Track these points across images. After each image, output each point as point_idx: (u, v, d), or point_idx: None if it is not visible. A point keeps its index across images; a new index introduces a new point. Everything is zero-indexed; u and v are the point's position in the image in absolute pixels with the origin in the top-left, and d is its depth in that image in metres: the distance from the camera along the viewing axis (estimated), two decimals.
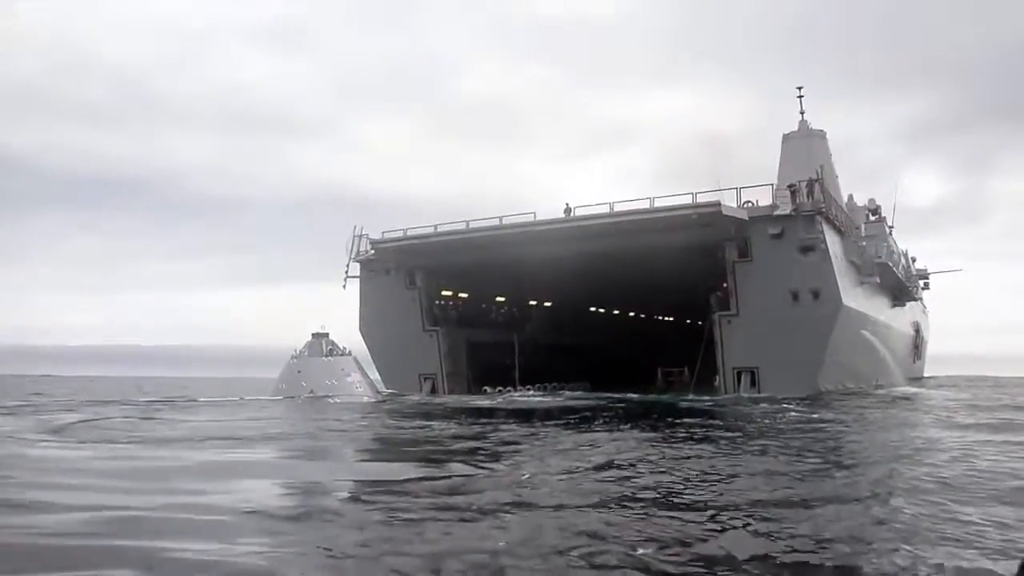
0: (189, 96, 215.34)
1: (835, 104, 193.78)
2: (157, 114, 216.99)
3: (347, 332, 44.05)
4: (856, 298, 39.39)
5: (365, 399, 35.19)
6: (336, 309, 47.17)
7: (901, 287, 52.84)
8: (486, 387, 42.64)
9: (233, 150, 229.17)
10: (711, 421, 22.53)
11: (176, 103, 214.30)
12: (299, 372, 36.89)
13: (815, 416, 24.02)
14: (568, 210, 40.48)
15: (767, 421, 22.63)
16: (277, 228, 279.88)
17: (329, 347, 38.06)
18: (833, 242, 37.08)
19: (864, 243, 44.74)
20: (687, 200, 37.24)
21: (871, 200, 63.00)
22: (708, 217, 35.29)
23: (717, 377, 37.65)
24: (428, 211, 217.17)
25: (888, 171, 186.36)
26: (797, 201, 36.07)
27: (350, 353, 38.60)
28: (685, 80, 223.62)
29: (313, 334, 38.09)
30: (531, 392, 41.94)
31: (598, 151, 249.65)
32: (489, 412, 27.67)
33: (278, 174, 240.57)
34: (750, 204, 38.31)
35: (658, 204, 37.95)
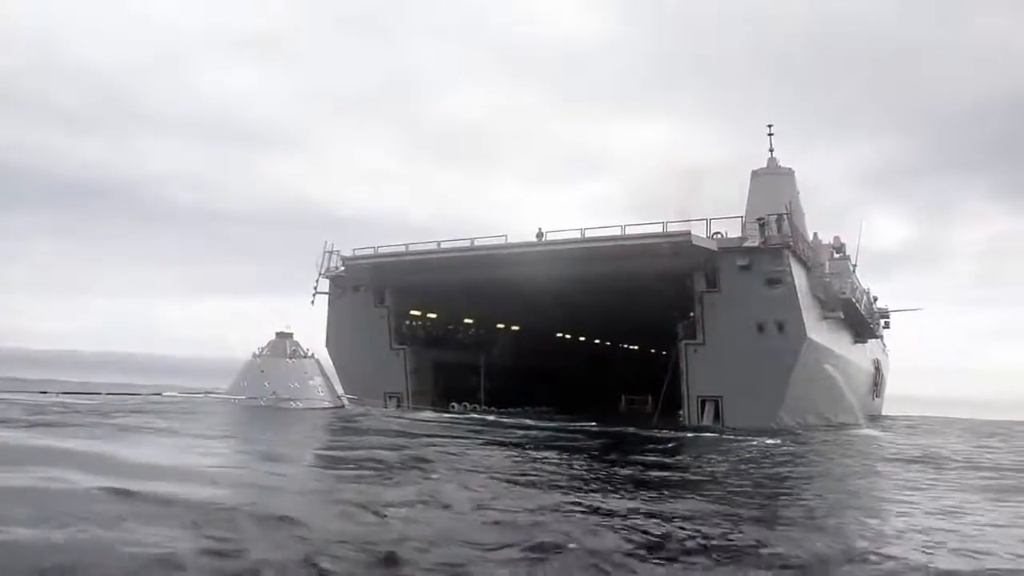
0: (166, 105, 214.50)
1: (804, 143, 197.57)
2: (134, 121, 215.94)
3: (312, 347, 43.99)
4: (820, 332, 39.94)
5: (327, 404, 34.94)
6: (302, 323, 46.95)
7: (863, 324, 53.62)
8: (454, 403, 42.88)
9: (208, 160, 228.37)
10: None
11: (153, 111, 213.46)
12: (262, 372, 36.30)
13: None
14: (540, 235, 40.71)
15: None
16: (249, 240, 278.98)
17: (293, 347, 37.60)
18: (799, 276, 37.66)
19: (829, 279, 45.46)
20: (658, 228, 37.88)
21: (836, 238, 64.00)
22: (678, 246, 35.75)
23: (681, 412, 37.91)
24: (400, 230, 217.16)
25: (852, 212, 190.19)
26: (766, 234, 36.64)
27: (313, 356, 38.19)
28: (658, 112, 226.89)
29: (277, 333, 37.58)
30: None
31: (571, 178, 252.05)
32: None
33: (252, 186, 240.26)
34: (719, 235, 38.90)
35: (629, 231, 38.44)
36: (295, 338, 38.43)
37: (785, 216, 37.59)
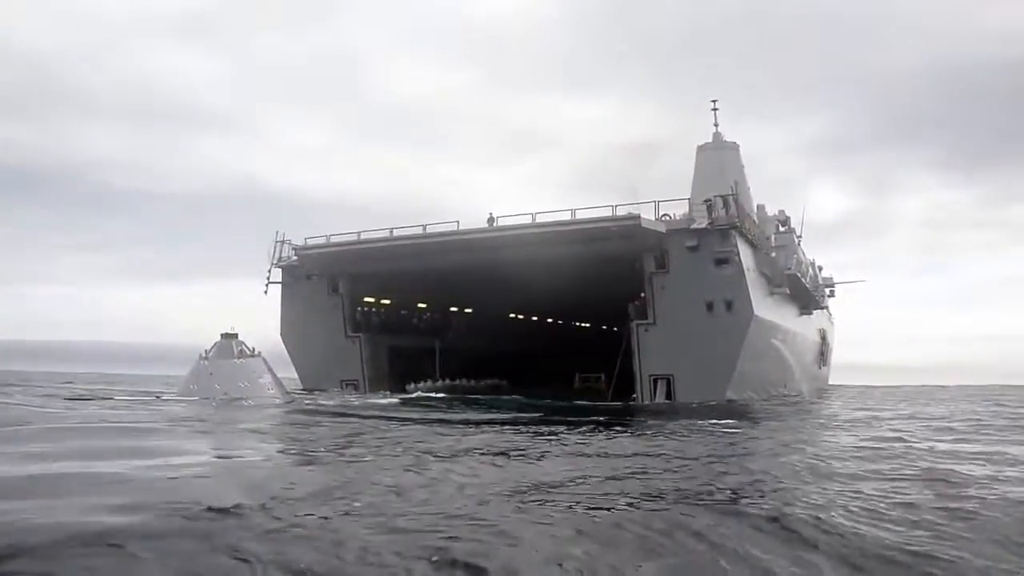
0: (103, 87, 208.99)
1: (748, 116, 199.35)
2: (69, 105, 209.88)
3: (265, 332, 44.09)
4: (767, 308, 40.97)
5: (276, 401, 35.20)
6: (253, 308, 46.85)
7: (809, 296, 54.93)
8: (411, 384, 43.39)
9: (149, 144, 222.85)
10: None
11: (89, 94, 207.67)
12: (211, 374, 36.49)
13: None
14: (491, 219, 41.13)
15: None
16: (193, 224, 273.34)
17: (239, 348, 37.75)
18: (746, 255, 38.56)
19: (775, 254, 46.59)
20: (608, 212, 38.60)
21: (781, 211, 65.24)
22: (628, 230, 36.46)
23: (635, 395, 38.75)
24: (349, 211, 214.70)
25: (796, 183, 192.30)
26: (713, 215, 37.44)
27: (259, 354, 38.32)
28: (603, 88, 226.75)
29: (222, 335, 37.60)
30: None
31: (518, 155, 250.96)
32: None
33: (194, 169, 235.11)
34: (668, 217, 39.68)
35: (580, 215, 39.07)
36: (240, 337, 38.49)
37: (731, 197, 38.36)
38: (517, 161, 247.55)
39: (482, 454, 14.70)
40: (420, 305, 49.81)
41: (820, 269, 76.91)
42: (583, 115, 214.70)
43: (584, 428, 21.95)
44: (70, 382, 52.77)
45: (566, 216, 39.19)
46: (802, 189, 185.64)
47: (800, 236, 67.92)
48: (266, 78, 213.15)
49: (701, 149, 67.34)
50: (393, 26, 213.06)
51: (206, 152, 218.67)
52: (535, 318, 61.76)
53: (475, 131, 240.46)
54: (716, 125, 67.50)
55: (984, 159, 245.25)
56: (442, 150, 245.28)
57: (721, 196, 38.70)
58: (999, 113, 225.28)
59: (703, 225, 37.23)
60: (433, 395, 41.58)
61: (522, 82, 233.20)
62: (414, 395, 41.22)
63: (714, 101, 67.91)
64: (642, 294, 38.90)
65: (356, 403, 34.36)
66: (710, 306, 37.15)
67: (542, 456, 14.90)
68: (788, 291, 45.40)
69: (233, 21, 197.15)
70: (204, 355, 37.07)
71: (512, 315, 58.71)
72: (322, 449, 15.63)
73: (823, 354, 68.24)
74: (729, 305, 37.07)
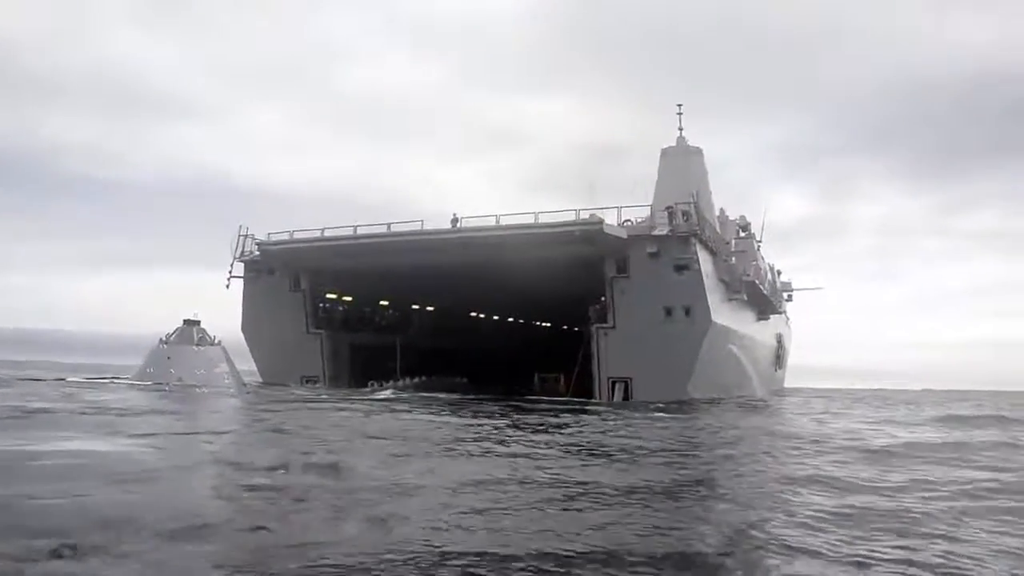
0: (62, 72, 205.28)
1: (713, 120, 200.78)
2: (28, 90, 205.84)
3: (226, 324, 43.98)
4: (724, 314, 41.64)
5: (232, 390, 35.17)
6: (217, 300, 46.65)
7: (766, 302, 55.82)
8: (372, 382, 43.37)
9: (110, 130, 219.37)
10: None
11: (48, 79, 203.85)
12: (168, 359, 36.35)
13: None
14: (455, 220, 41.38)
15: None
16: (155, 212, 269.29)
17: (200, 335, 37.64)
18: (705, 262, 39.18)
19: (734, 260, 47.34)
20: (571, 215, 39.20)
21: (742, 217, 66.03)
22: (590, 234, 36.89)
23: (595, 399, 39.20)
24: (315, 203, 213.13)
25: (757, 187, 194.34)
26: (674, 223, 37.99)
27: (220, 343, 38.25)
28: (570, 88, 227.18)
29: (185, 320, 37.51)
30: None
31: (484, 152, 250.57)
32: None
33: (157, 157, 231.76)
34: (629, 222, 40.16)
35: (543, 219, 39.45)
36: (202, 325, 38.41)
37: (692, 205, 38.94)
38: (484, 158, 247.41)
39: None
40: (382, 302, 49.90)
41: (779, 274, 78.07)
42: (550, 113, 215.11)
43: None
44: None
45: (530, 219, 39.56)
46: (763, 193, 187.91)
47: (760, 241, 68.95)
48: (236, 67, 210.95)
49: (665, 153, 67.84)
50: (363, 19, 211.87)
51: (174, 140, 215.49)
52: (496, 317, 62.06)
53: (443, 127, 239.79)
54: (681, 129, 68.04)
55: (939, 169, 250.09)
56: (409, 145, 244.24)
57: (682, 204, 39.29)
58: (955, 124, 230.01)
59: (664, 232, 37.77)
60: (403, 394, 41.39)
61: (491, 79, 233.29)
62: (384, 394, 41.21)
63: (679, 105, 68.34)
64: (603, 298, 39.37)
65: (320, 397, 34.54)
66: (669, 312, 37.72)
67: None
68: (746, 297, 46.15)
69: (202, 9, 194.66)
70: (164, 340, 36.90)
71: (474, 314, 58.96)
72: None
73: (779, 358, 69.26)
74: (688, 311, 37.67)
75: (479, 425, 20.11)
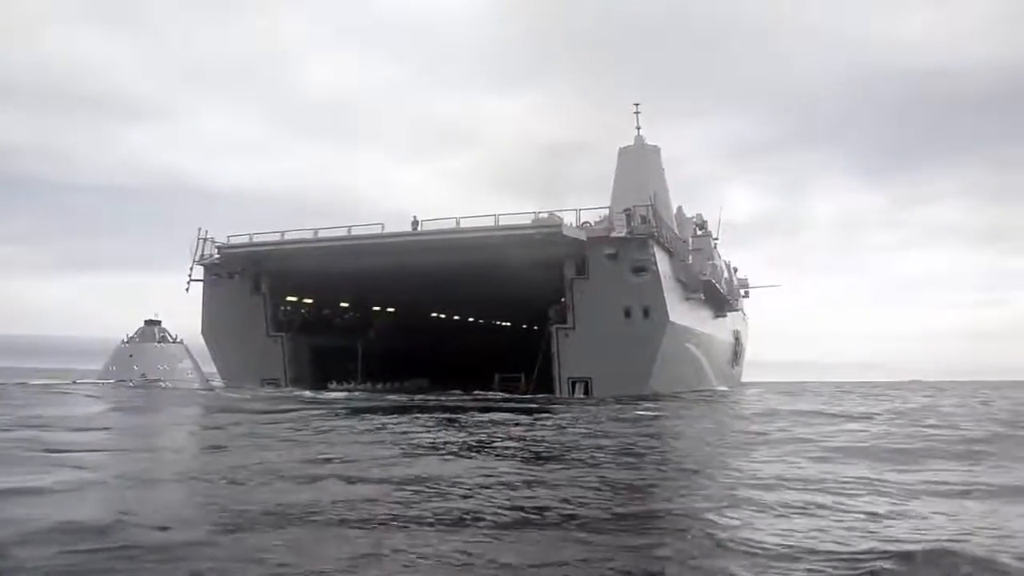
0: (15, 72, 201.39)
1: (669, 116, 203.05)
2: None
3: (187, 327, 43.93)
4: (682, 314, 42.34)
5: (195, 386, 35.34)
6: (176, 303, 46.57)
7: (723, 300, 56.68)
8: (332, 382, 43.51)
9: (65, 131, 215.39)
10: None
11: (2, 79, 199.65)
12: (131, 356, 36.54)
13: None
14: (415, 223, 41.55)
15: None
16: (112, 214, 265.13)
17: (161, 335, 37.73)
18: (663, 263, 39.82)
19: (691, 259, 48.15)
20: (532, 216, 39.75)
21: (699, 215, 66.98)
22: (550, 237, 37.32)
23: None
24: (273, 203, 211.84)
25: (714, 184, 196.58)
26: (632, 225, 38.56)
27: (182, 341, 38.37)
28: (526, 87, 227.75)
29: (146, 321, 37.71)
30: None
31: (441, 152, 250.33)
32: None
33: (112, 158, 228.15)
34: (588, 224, 40.69)
35: (503, 221, 39.80)
36: (164, 325, 38.49)
37: (650, 208, 39.54)
38: (442, 156, 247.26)
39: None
40: (343, 304, 49.96)
41: (736, 271, 79.24)
42: (508, 112, 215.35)
43: None
44: None
45: (490, 221, 39.89)
46: (719, 189, 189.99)
47: (717, 239, 69.95)
48: (192, 68, 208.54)
49: (623, 152, 68.68)
50: (321, 20, 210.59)
51: (130, 142, 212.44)
52: (457, 318, 62.30)
53: (401, 126, 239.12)
54: (638, 128, 68.90)
55: (894, 163, 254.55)
56: (365, 144, 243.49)
57: (640, 206, 39.88)
58: (909, 119, 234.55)
59: (622, 234, 38.30)
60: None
61: (447, 78, 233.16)
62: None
63: (636, 105, 69.19)
64: (562, 299, 39.84)
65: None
66: (628, 312, 38.30)
67: None
68: (703, 296, 46.91)
69: (159, 9, 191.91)
70: (126, 339, 37.01)
71: (435, 315, 59.16)
72: None
73: (736, 354, 70.41)
74: (646, 312, 38.28)
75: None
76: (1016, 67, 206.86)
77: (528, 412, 24.44)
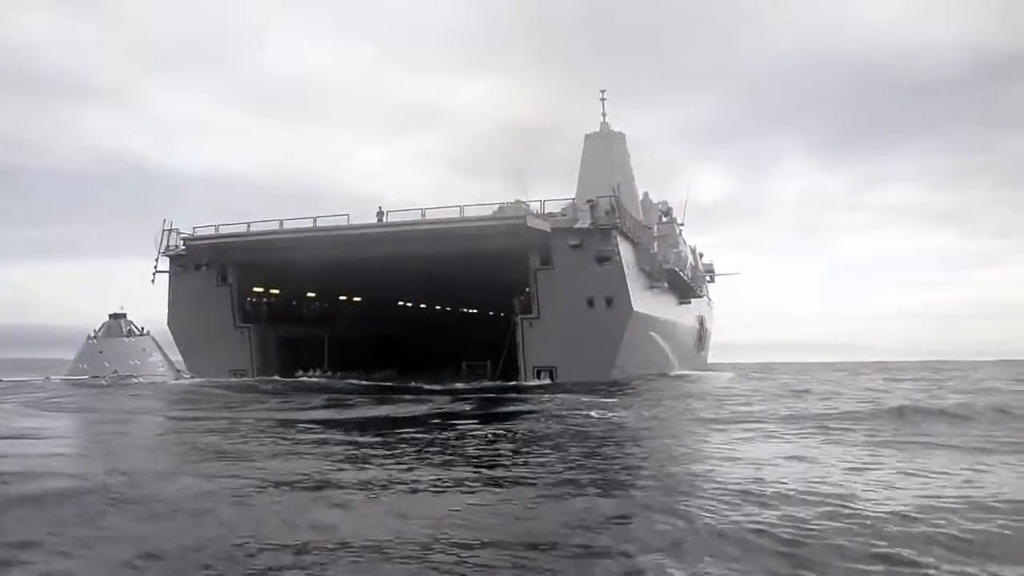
0: None
1: (635, 100, 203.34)
2: None
3: (152, 316, 43.95)
4: (646, 302, 42.94)
5: (168, 378, 35.42)
6: (139, 291, 46.39)
7: (687, 287, 57.43)
8: (299, 371, 43.64)
9: (13, 114, 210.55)
10: None
11: None
12: (101, 352, 36.38)
13: None
14: (381, 213, 41.82)
15: None
16: (70, 200, 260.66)
17: (127, 327, 37.64)
18: (627, 252, 40.37)
19: (657, 247, 48.82)
20: (499, 204, 40.91)
21: (664, 202, 67.54)
22: (514, 229, 37.74)
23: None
24: (236, 186, 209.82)
25: (679, 168, 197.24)
26: (595, 215, 39.03)
27: (148, 333, 38.33)
28: (492, 69, 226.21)
29: (111, 315, 37.54)
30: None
31: (405, 133, 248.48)
32: None
33: (70, 143, 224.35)
34: (553, 215, 41.12)
35: (469, 211, 40.26)
36: (129, 317, 38.40)
37: (613, 198, 40.01)
38: (407, 139, 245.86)
39: None
40: (309, 295, 50.04)
41: (701, 256, 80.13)
42: (474, 95, 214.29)
43: None
44: None
45: (455, 212, 40.30)
46: (685, 172, 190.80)
47: (683, 225, 70.70)
48: (150, 49, 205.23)
49: (589, 138, 69.07)
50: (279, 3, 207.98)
51: (86, 126, 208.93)
52: (424, 306, 62.58)
53: (365, 107, 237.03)
54: (604, 115, 69.27)
55: (855, 146, 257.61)
56: (332, 126, 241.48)
57: (604, 197, 40.37)
58: (868, 103, 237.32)
59: (586, 225, 38.75)
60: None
61: (413, 59, 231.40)
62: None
63: (603, 91, 69.63)
64: (527, 289, 40.29)
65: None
66: (591, 302, 38.83)
67: None
68: (666, 285, 47.57)
69: None
70: (93, 335, 36.85)
71: (402, 303, 59.40)
72: None
73: (701, 339, 71.30)
74: (610, 302, 38.84)
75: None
76: (974, 50, 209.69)
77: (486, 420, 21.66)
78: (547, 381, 38.79)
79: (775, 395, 32.09)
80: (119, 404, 25.93)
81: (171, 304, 43.96)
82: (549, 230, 38.61)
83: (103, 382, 33.84)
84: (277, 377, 39.53)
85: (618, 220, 39.46)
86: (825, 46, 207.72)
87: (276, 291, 46.81)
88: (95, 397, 28.65)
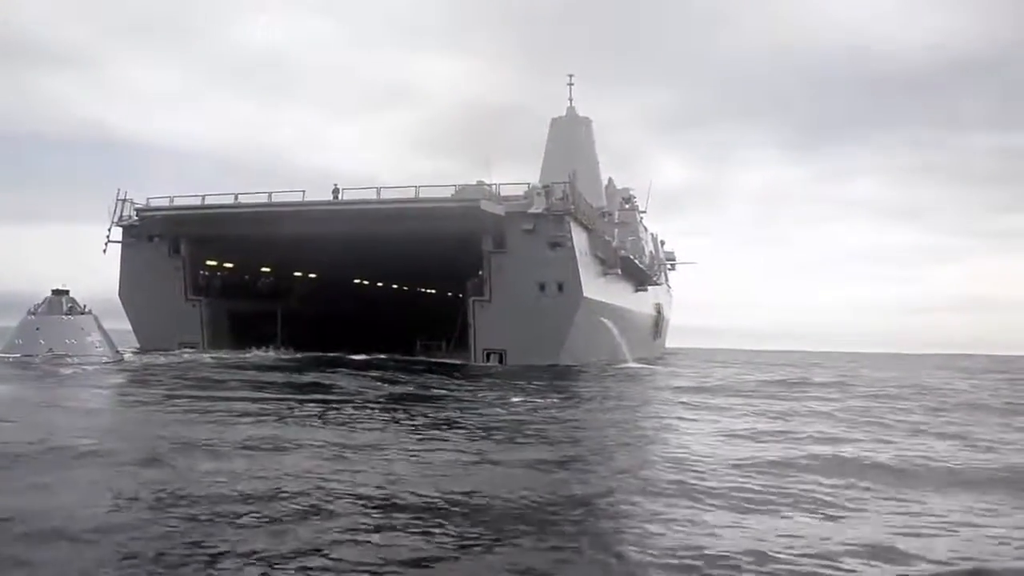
0: None
1: (600, 87, 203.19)
2: None
3: (104, 283, 43.68)
4: (597, 289, 43.28)
5: (104, 359, 35.17)
6: (94, 259, 45.74)
7: (644, 275, 57.89)
8: (252, 347, 43.37)
9: None
10: None
11: None
12: (37, 329, 36.07)
13: None
14: (336, 191, 41.76)
15: None
16: (32, 165, 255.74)
17: (69, 305, 37.36)
18: (580, 239, 40.64)
19: (616, 232, 49.29)
20: (456, 187, 40.93)
21: (625, 189, 67.99)
22: (468, 211, 37.94)
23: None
24: (199, 158, 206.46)
25: (645, 154, 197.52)
26: (549, 201, 39.29)
27: (90, 311, 37.99)
28: (459, 50, 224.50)
29: (53, 291, 37.07)
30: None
31: (371, 111, 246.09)
32: None
33: (32, 108, 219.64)
34: (510, 198, 41.29)
35: (429, 192, 40.37)
36: (72, 294, 38.06)
37: (567, 185, 40.28)
38: (376, 116, 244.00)
39: None
40: (264, 270, 49.79)
41: (663, 244, 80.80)
42: (441, 73, 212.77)
43: None
44: None
45: (411, 192, 40.36)
46: (650, 159, 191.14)
47: (644, 212, 71.18)
48: (116, 16, 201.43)
49: (555, 122, 69.36)
50: None
51: (47, 91, 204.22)
52: (380, 284, 62.54)
53: (328, 84, 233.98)
54: (571, 100, 69.52)
55: (818, 139, 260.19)
56: (298, 101, 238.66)
57: (559, 183, 40.66)
58: (833, 95, 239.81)
59: (540, 210, 39.00)
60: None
61: (376, 37, 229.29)
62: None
63: (570, 76, 69.76)
64: (480, 271, 40.52)
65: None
66: (543, 287, 39.16)
67: None
68: (620, 272, 47.92)
69: None
70: (33, 310, 36.56)
71: (356, 280, 59.30)
72: None
73: (658, 325, 71.92)
74: (561, 287, 39.18)
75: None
76: (938, 49, 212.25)
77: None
78: (495, 364, 39.20)
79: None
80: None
81: (122, 275, 43.75)
82: (503, 214, 38.81)
83: (36, 360, 33.52)
84: (223, 355, 39.06)
85: (572, 206, 39.74)
86: (794, 41, 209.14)
87: (230, 265, 46.57)
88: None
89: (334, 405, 19.24)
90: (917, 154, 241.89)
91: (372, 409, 18.89)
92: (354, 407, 19.06)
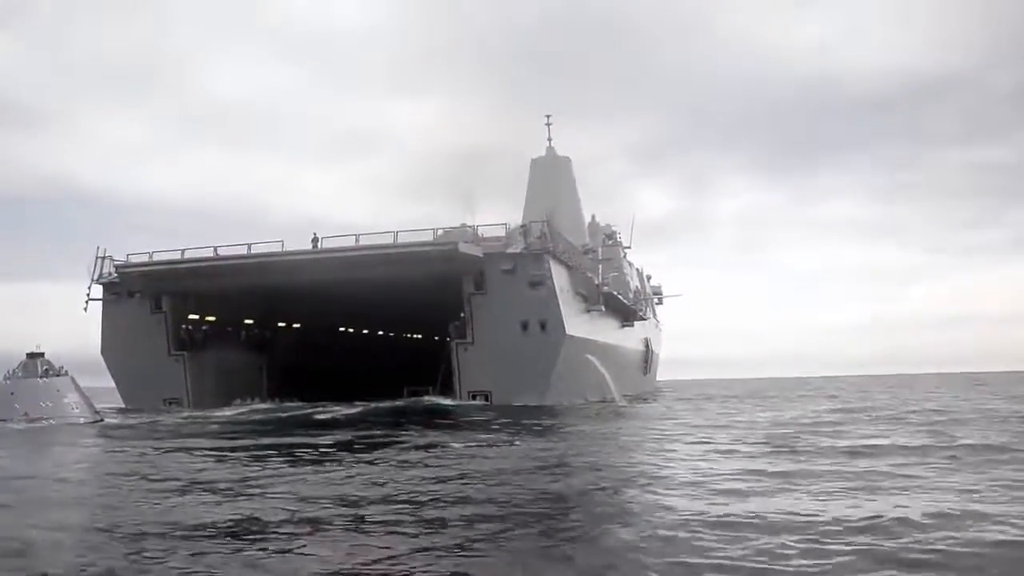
0: None
1: (578, 123, 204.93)
2: None
3: (83, 342, 43.43)
4: (581, 326, 43.24)
5: (82, 420, 34.80)
6: (68, 316, 45.49)
7: (629, 310, 57.79)
8: (237, 400, 43.02)
9: None
10: None
11: None
12: (12, 394, 35.70)
13: None
14: (315, 240, 41.83)
15: None
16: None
17: (44, 367, 37.03)
18: (560, 276, 40.67)
19: (600, 267, 49.33)
20: (437, 231, 40.95)
21: (608, 225, 68.43)
22: (447, 254, 38.01)
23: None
24: (169, 212, 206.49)
25: (624, 187, 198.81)
26: (528, 240, 39.41)
27: (67, 373, 37.62)
28: (434, 94, 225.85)
29: (28, 354, 36.78)
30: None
31: (345, 157, 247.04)
32: None
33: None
34: (497, 239, 41.30)
35: (412, 237, 40.45)
36: (47, 356, 37.72)
37: (545, 223, 40.44)
38: (345, 163, 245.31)
39: None
40: (247, 321, 49.50)
41: (649, 279, 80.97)
42: (415, 118, 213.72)
43: None
44: None
45: (389, 238, 40.46)
46: (630, 193, 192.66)
47: (628, 247, 71.51)
48: (81, 71, 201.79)
49: (535, 163, 69.97)
50: (215, 22, 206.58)
51: (10, 148, 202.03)
52: (365, 331, 62.26)
53: (302, 132, 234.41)
54: (549, 139, 70.24)
55: (793, 163, 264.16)
56: (272, 150, 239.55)
57: (536, 221, 40.82)
58: (806, 121, 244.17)
59: (518, 249, 39.09)
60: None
61: (350, 83, 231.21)
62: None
63: (548, 116, 70.52)
64: (462, 314, 40.46)
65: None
66: (525, 326, 39.10)
67: None
68: (603, 308, 47.83)
69: (47, 9, 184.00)
70: (8, 375, 36.24)
71: (341, 328, 59.04)
72: None
73: (647, 361, 71.72)
74: (543, 325, 39.13)
75: None
76: (905, 72, 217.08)
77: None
78: (482, 402, 39.04)
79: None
80: None
81: (104, 332, 43.58)
82: (481, 255, 38.87)
83: (14, 426, 33.11)
84: (195, 413, 38.43)
85: (550, 244, 39.84)
86: (767, 69, 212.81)
87: (212, 318, 46.26)
88: None
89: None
90: (890, 174, 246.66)
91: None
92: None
